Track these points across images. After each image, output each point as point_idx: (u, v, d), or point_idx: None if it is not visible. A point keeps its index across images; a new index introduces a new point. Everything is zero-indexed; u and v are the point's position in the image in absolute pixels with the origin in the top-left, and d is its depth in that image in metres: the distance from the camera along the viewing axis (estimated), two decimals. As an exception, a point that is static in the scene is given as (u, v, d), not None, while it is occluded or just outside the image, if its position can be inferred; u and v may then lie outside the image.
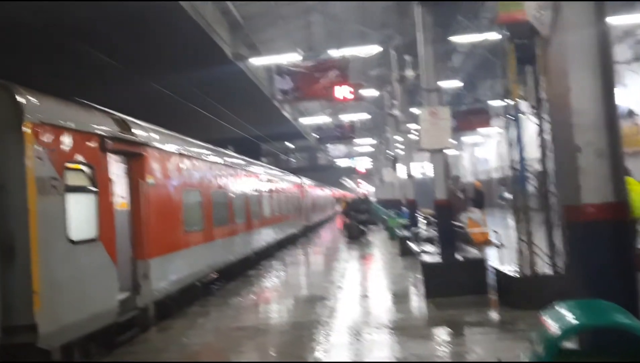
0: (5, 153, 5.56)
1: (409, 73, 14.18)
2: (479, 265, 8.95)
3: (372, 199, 39.54)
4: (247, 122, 26.57)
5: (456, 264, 9.07)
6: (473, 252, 10.51)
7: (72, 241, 6.31)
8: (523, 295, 7.47)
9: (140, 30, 12.14)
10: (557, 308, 3.04)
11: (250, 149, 27.19)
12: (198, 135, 12.60)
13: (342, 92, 14.00)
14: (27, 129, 5.74)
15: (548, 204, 7.92)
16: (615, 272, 3.36)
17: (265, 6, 16.07)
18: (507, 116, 8.19)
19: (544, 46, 7.37)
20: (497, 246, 10.43)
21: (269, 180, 19.50)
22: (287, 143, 43.21)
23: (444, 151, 9.49)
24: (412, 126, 17.99)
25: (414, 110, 20.55)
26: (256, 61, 16.89)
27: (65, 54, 12.63)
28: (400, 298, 9.45)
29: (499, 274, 8.23)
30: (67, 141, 6.45)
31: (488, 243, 11.88)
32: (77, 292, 6.36)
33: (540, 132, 7.93)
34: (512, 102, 7.91)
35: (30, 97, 5.97)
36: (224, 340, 7.44)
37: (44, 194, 5.88)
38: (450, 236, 9.32)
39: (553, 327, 2.81)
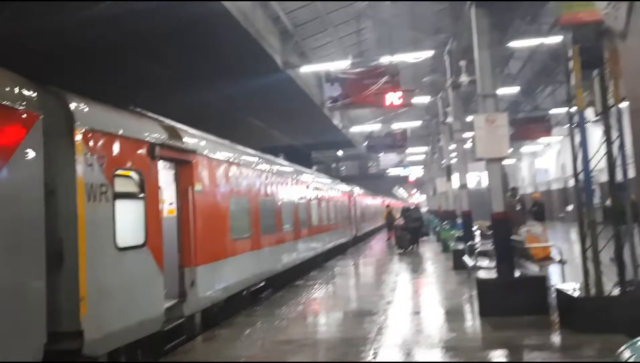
0: (56, 158, 5.58)
1: (464, 79, 13.67)
2: (540, 282, 8.39)
3: (424, 209, 38.75)
4: (297, 130, 26.63)
5: (514, 281, 8.52)
6: (532, 269, 9.91)
7: (120, 248, 6.30)
8: (588, 318, 6.92)
9: (191, 39, 12.27)
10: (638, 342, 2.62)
11: (301, 158, 27.17)
12: (249, 143, 12.60)
13: (393, 99, 13.65)
14: (78, 136, 5.77)
15: (617, 217, 7.32)
16: None
17: (316, 13, 15.97)
18: (571, 123, 7.64)
19: (616, 47, 6.86)
20: (560, 263, 9.76)
21: (318, 188, 19.33)
22: (337, 152, 43.08)
23: (502, 160, 8.97)
24: (467, 134, 17.41)
25: (469, 118, 19.96)
26: (306, 69, 16.80)
27: (118, 64, 12.94)
28: (453, 315, 8.98)
29: (561, 293, 7.66)
30: (117, 148, 6.47)
31: (549, 259, 11.18)
32: (124, 299, 6.33)
33: (608, 140, 7.35)
34: (576, 109, 7.36)
35: (81, 104, 6.02)
36: (270, 353, 7.24)
37: (93, 201, 5.90)
38: (508, 251, 8.77)
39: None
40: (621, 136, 7.08)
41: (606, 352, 6.10)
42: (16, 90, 5.08)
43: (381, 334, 7.74)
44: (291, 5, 15.11)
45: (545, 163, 45.67)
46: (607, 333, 6.47)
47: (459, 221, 19.42)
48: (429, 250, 21.48)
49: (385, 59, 14.74)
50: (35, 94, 5.29)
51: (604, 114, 7.30)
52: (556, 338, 6.98)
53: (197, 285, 8.18)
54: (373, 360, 6.19)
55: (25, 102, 5.10)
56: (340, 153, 45.55)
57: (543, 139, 36.42)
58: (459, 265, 13.85)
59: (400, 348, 6.98)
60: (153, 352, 7.16)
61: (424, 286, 12.49)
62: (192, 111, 15.74)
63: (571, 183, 33.87)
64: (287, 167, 15.72)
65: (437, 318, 8.79)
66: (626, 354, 2.59)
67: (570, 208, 30.31)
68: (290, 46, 16.56)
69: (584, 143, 7.14)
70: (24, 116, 5.07)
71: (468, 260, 11.82)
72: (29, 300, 4.98)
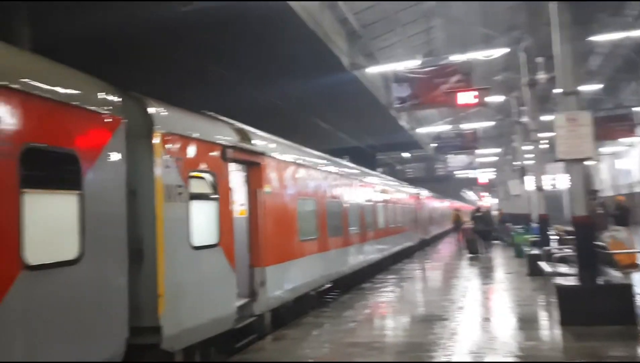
0: (137, 160, 5.79)
1: (541, 76, 13.01)
2: (626, 291, 7.83)
3: (495, 213, 37.46)
4: (363, 131, 26.51)
5: (598, 289, 7.99)
6: (617, 276, 9.29)
7: (195, 247, 6.46)
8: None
9: (259, 41, 12.48)
10: None
11: (366, 159, 27.04)
12: (314, 145, 12.66)
13: (466, 98, 13.24)
14: (156, 139, 5.98)
15: None
16: None
17: (383, 13, 15.81)
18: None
19: None
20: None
21: (385, 191, 19.13)
22: (402, 153, 42.55)
23: (584, 161, 8.45)
24: (543, 134, 16.62)
25: (545, 117, 19.05)
26: (373, 70, 16.66)
27: (186, 67, 13.36)
28: (530, 323, 8.57)
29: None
30: (191, 150, 6.66)
31: (635, 266, 10.48)
32: (199, 297, 6.50)
33: None
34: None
35: (159, 109, 6.24)
36: (337, 355, 7.19)
37: (170, 201, 6.09)
38: (590, 257, 8.24)
39: None
40: None
41: None
42: (101, 96, 5.33)
43: (453, 340, 7.50)
44: (359, 6, 15.03)
45: (627, 164, 42.89)
46: None
47: (534, 225, 18.62)
48: (501, 255, 20.71)
49: (455, 58, 14.33)
50: (118, 100, 5.53)
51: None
52: (647, 351, 6.50)
53: (266, 284, 8.29)
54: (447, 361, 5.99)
55: (109, 107, 5.35)
56: (406, 154, 44.95)
57: (625, 139, 34.23)
58: (534, 271, 13.22)
59: (474, 355, 6.72)
60: (225, 349, 7.30)
61: (498, 292, 12.02)
62: (258, 112, 16.02)
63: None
64: (353, 169, 15.65)
65: (513, 325, 8.42)
66: None
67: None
68: (357, 47, 16.50)
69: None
70: (109, 120, 5.32)
71: (545, 266, 11.26)
72: (113, 295, 5.20)
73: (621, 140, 34.28)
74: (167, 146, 6.13)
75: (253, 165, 8.47)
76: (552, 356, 6.58)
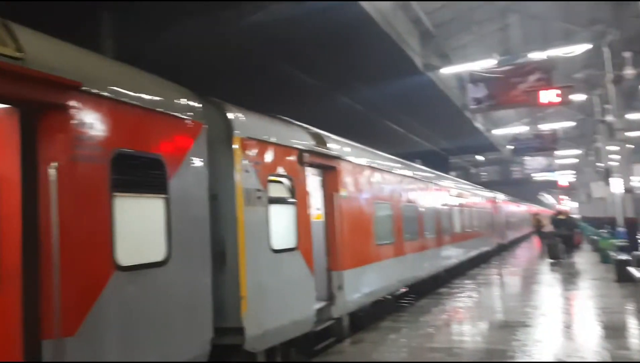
0: (217, 165, 5.97)
1: (629, 72, 12.23)
2: None
3: (575, 216, 35.59)
4: (436, 134, 26.06)
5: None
6: None
7: (275, 250, 6.60)
8: None
9: (333, 44, 12.60)
10: None
11: (438, 163, 26.55)
12: (386, 148, 12.61)
13: (548, 96, 12.68)
14: (236, 144, 6.16)
15: None
16: None
17: (457, 11, 15.52)
18: None
19: None
20: None
21: (460, 195, 18.70)
22: (477, 156, 41.39)
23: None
24: (630, 134, 15.63)
25: (631, 116, 17.92)
26: (447, 70, 16.37)
27: (265, 72, 13.70)
28: (621, 331, 8.09)
29: None
30: (269, 154, 6.82)
31: None
32: (279, 299, 6.61)
33: None
34: None
35: (238, 114, 6.44)
36: (416, 359, 7.12)
37: (250, 205, 6.24)
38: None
39: None
40: None
41: None
42: (184, 102, 5.52)
43: (536, 347, 7.22)
44: (432, 5, 14.84)
45: None
46: None
47: (620, 229, 17.54)
48: (585, 261, 19.64)
49: (534, 55, 13.80)
50: (199, 106, 5.72)
51: None
52: None
53: (344, 288, 8.33)
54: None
55: (191, 113, 5.54)
56: (480, 157, 43.73)
57: None
58: (623, 277, 12.48)
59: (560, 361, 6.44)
60: (305, 351, 7.40)
61: (583, 299, 11.42)
62: (334, 116, 16.16)
63: None
64: (428, 172, 15.43)
65: (602, 333, 7.98)
66: None
67: None
68: (431, 47, 16.27)
69: None
70: (192, 125, 5.50)
71: (635, 272, 10.59)
72: (199, 296, 5.38)
73: None
74: (246, 150, 6.28)
75: (329, 169, 8.56)
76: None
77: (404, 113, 20.10)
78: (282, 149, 7.14)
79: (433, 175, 15.85)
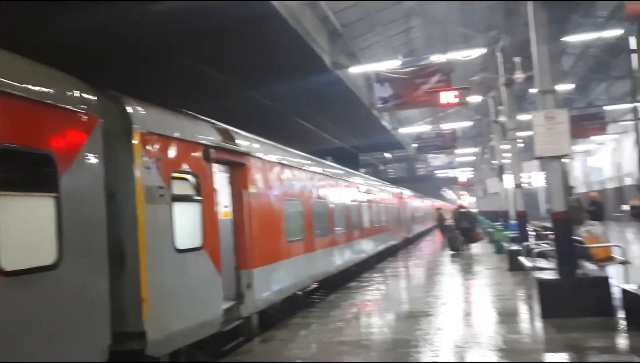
0: (115, 162, 5.67)
1: (519, 75, 13.20)
2: (603, 283, 8.02)
3: (473, 210, 37.88)
4: (346, 132, 26.59)
5: (577, 282, 8.15)
6: (593, 269, 9.48)
7: (179, 250, 6.39)
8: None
9: (240, 39, 12.42)
10: None
11: (348, 160, 27.13)
12: (298, 145, 12.66)
13: (447, 97, 13.37)
14: (135, 139, 5.88)
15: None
16: None
17: (364, 12, 15.89)
18: (637, 117, 7.25)
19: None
20: (622, 264, 9.32)
21: (368, 191, 19.22)
22: (385, 154, 42.80)
23: (562, 158, 8.61)
24: (520, 133, 16.86)
25: (521, 117, 19.34)
26: (355, 69, 16.73)
27: (170, 65, 13.24)
28: (513, 317, 8.70)
29: (628, 294, 7.29)
30: (173, 150, 6.59)
31: (610, 259, 10.71)
32: (184, 300, 6.41)
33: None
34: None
35: (138, 108, 6.15)
36: (326, 354, 7.21)
37: (152, 203, 5.99)
38: (570, 252, 8.41)
39: None
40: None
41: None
42: (76, 94, 5.16)
43: (438, 335, 7.58)
44: (339, 5, 15.07)
45: (599, 161, 43.86)
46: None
47: (513, 221, 18.88)
48: (481, 252, 20.95)
49: (435, 58, 14.47)
50: (94, 98, 5.38)
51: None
52: (625, 340, 6.64)
53: (253, 286, 8.25)
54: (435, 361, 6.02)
55: (85, 106, 5.18)
56: (387, 155, 45.23)
57: (596, 138, 35.01)
58: (514, 266, 13.45)
59: (460, 349, 6.80)
60: (213, 352, 7.25)
61: (480, 288, 12.18)
62: (242, 112, 15.96)
63: (628, 181, 32.47)
64: (338, 169, 15.70)
65: (496, 319, 8.52)
66: None
67: (626, 207, 28.94)
68: (339, 46, 16.53)
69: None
70: (85, 119, 5.15)
71: (525, 261, 11.44)
72: (94, 300, 5.09)
73: (593, 138, 35.08)
74: (147, 146, 6.02)
75: (237, 166, 8.43)
76: (535, 349, 6.69)
77: (314, 110, 20.30)
78: (187, 144, 6.92)
79: (343, 172, 16.16)
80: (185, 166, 6.83)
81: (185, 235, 6.59)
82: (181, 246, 6.43)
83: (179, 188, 6.62)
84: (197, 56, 12.73)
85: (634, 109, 6.54)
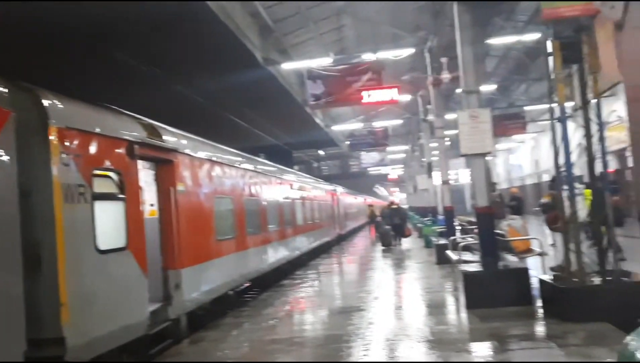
0: (30, 158, 5.36)
1: (445, 76, 13.69)
2: (523, 274, 8.48)
3: (404, 206, 38.96)
4: (279, 129, 26.50)
5: (499, 273, 8.58)
6: (514, 261, 9.99)
7: (101, 251, 6.12)
8: (572, 307, 6.98)
9: (170, 33, 12.07)
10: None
11: (282, 157, 27.07)
12: (228, 142, 12.45)
13: (378, 95, 13.62)
14: (52, 135, 5.56)
15: (599, 209, 7.41)
16: None
17: (295, 8, 15.86)
18: (552, 118, 7.68)
19: (595, 42, 6.92)
20: (540, 255, 9.89)
21: (302, 188, 19.26)
22: (319, 151, 43.11)
23: (485, 156, 9.00)
24: (447, 132, 17.49)
25: (449, 116, 20.05)
26: (287, 66, 16.68)
27: (93, 57, 12.66)
28: (440, 309, 9.00)
29: (545, 284, 7.73)
30: (94, 146, 6.29)
31: (530, 251, 11.30)
32: (107, 304, 6.16)
33: (588, 134, 7.42)
34: (557, 104, 7.38)
35: (55, 101, 5.82)
36: (258, 353, 7.15)
37: (71, 202, 5.70)
38: (492, 245, 8.82)
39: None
40: (601, 129, 7.15)
41: (591, 338, 6.17)
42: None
43: (370, 329, 7.70)
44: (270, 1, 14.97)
45: (519, 159, 46.38)
46: (591, 322, 6.57)
47: (440, 217, 19.55)
48: (411, 246, 21.56)
49: (366, 56, 14.70)
50: (4, 90, 5.07)
51: (583, 108, 7.36)
52: (542, 328, 7.03)
53: (182, 287, 8.03)
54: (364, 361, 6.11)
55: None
56: (321, 152, 45.57)
57: (517, 136, 36.97)
58: (442, 260, 13.91)
59: (390, 342, 6.94)
60: (139, 356, 6.99)
61: (410, 281, 12.51)
62: (171, 109, 15.51)
63: (545, 177, 34.49)
64: (271, 167, 15.61)
65: (425, 312, 8.79)
66: (636, 342, 2.55)
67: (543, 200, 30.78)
68: (271, 42, 16.42)
69: (565, 137, 7.19)
70: (-7, 113, 4.85)
71: (452, 255, 11.86)
72: (6, 306, 4.79)
73: (514, 137, 37.06)
74: (65, 142, 5.70)
75: (165, 163, 8.17)
76: (461, 338, 6.94)
77: (246, 107, 20.07)
78: (110, 140, 6.63)
79: (276, 169, 16.08)
80: (107, 163, 6.53)
81: (108, 235, 6.32)
82: (103, 247, 6.16)
83: (101, 186, 6.34)
84: (124, 49, 12.23)
85: (550, 110, 6.92)
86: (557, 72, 7.11)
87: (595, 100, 7.16)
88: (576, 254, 7.15)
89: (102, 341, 6.01)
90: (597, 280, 7.15)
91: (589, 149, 7.38)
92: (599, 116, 7.12)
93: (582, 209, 7.52)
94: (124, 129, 7.05)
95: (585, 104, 7.31)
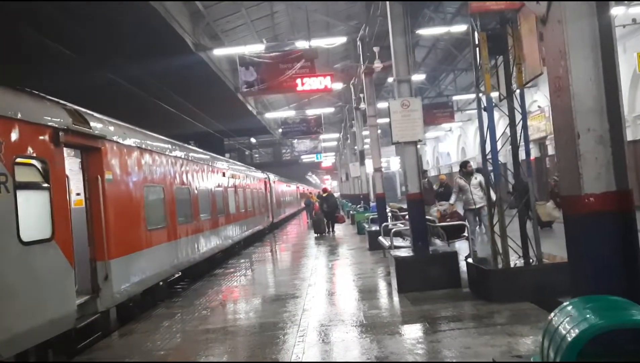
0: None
1: (377, 65, 13.94)
2: (452, 258, 8.85)
3: (336, 194, 39.50)
4: (210, 116, 26.01)
5: (429, 258, 8.93)
6: (443, 246, 10.41)
7: (24, 242, 5.83)
8: (497, 288, 7.40)
9: (95, 15, 11.50)
10: (567, 306, 2.79)
11: (213, 145, 26.63)
12: (158, 129, 12.07)
13: (311, 83, 13.68)
14: (-31, 121, 5.23)
15: (521, 195, 7.87)
16: (618, 265, 3.19)
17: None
18: (479, 106, 8.03)
19: (520, 35, 7.30)
20: (467, 240, 10.36)
21: (234, 176, 19.04)
22: (251, 139, 42.77)
23: (417, 143, 9.29)
24: (379, 120, 17.84)
25: (380, 104, 20.47)
26: (219, 52, 16.36)
27: (13, 40, 11.86)
28: (373, 293, 9.24)
29: (473, 267, 8.13)
30: (15, 133, 5.94)
31: (457, 236, 11.81)
32: (31, 297, 5.89)
33: (512, 123, 7.84)
34: (484, 93, 7.73)
35: (-29, 85, 5.44)
36: (192, 343, 7.05)
37: (-9, 192, 5.38)
38: (423, 230, 9.15)
39: (567, 327, 2.58)
40: (524, 118, 7.56)
41: (515, 317, 6.57)
42: None
43: (304, 316, 7.78)
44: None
45: (447, 147, 48.20)
46: (515, 302, 7.00)
47: (372, 204, 20.00)
48: (344, 233, 21.92)
49: (300, 44, 14.68)
50: None
51: (508, 98, 7.75)
52: (470, 309, 7.37)
53: (111, 279, 7.77)
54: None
55: None
56: (253, 140, 45.19)
57: (445, 125, 38.36)
58: (374, 246, 14.24)
59: (326, 328, 7.05)
60: (66, 351, 6.72)
61: (344, 267, 12.71)
62: (98, 95, 14.83)
63: (472, 165, 35.78)
64: (203, 154, 15.30)
65: (359, 297, 8.97)
66: (558, 318, 2.75)
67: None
68: (202, 28, 16.03)
69: (491, 125, 7.54)
70: None
71: (384, 241, 12.18)
72: None
73: (442, 126, 38.43)
74: (-17, 129, 5.39)
75: (92, 150, 7.83)
76: (393, 322, 7.18)
77: (176, 93, 19.52)
78: (32, 127, 6.29)
79: (208, 157, 15.79)
80: (30, 151, 6.20)
81: (32, 225, 6.03)
82: (27, 239, 5.86)
83: (23, 175, 6.02)
84: (44, 30, 11.50)
85: (478, 99, 7.27)
86: (484, 63, 7.42)
87: (519, 90, 7.56)
88: (501, 238, 7.55)
89: (26, 336, 5.75)
90: (519, 262, 7.61)
91: (512, 137, 7.80)
92: (522, 105, 7.52)
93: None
94: (48, 115, 6.69)
95: (509, 94, 7.70)
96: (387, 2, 9.27)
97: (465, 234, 10.26)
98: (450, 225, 10.36)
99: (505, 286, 7.31)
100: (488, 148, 7.72)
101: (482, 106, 7.68)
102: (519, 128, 7.69)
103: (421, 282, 8.45)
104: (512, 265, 7.58)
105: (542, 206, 13.95)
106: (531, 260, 7.62)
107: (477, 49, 7.67)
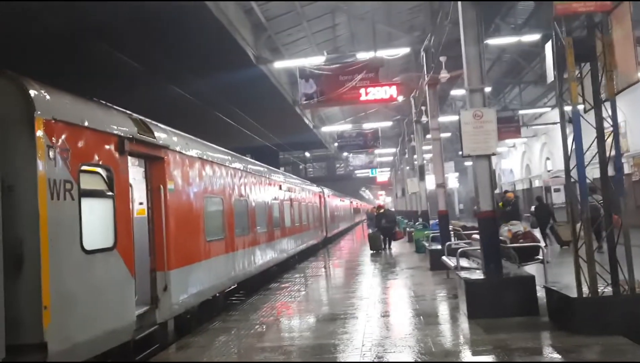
0: (14, 151, 5.02)
1: (444, 75, 13.41)
2: (529, 283, 8.11)
3: (392, 210, 38.76)
4: (267, 129, 26.12)
5: (503, 281, 8.24)
6: (513, 269, 9.70)
7: (87, 251, 5.73)
8: (584, 319, 6.68)
9: (161, 29, 11.65)
10: None
11: (269, 158, 26.67)
12: (217, 141, 12.03)
13: (376, 93, 13.28)
14: (38, 126, 5.19)
15: (611, 215, 7.15)
16: None
17: (289, 6, 15.49)
18: (562, 118, 7.40)
19: (612, 39, 6.68)
20: (542, 263, 9.58)
21: (290, 189, 18.88)
22: (306, 153, 42.85)
23: (490, 157, 8.70)
24: (443, 134, 17.23)
25: (442, 118, 19.83)
26: (279, 64, 16.31)
27: (90, 57, 12.22)
28: (440, 318, 8.67)
29: (552, 294, 7.44)
30: (83, 141, 5.89)
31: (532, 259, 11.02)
32: (92, 307, 5.78)
33: (600, 136, 7.15)
34: (569, 104, 7.10)
35: (42, 92, 5.42)
36: (247, 361, 6.74)
37: (57, 199, 5.33)
38: (495, 251, 8.50)
39: None
40: (615, 130, 6.88)
41: (607, 353, 5.88)
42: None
43: (364, 339, 7.32)
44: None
45: (510, 163, 46.50)
46: (604, 335, 6.28)
47: (433, 221, 19.29)
48: (401, 251, 21.26)
49: (360, 55, 14.37)
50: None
51: (596, 109, 7.09)
52: (553, 341, 6.70)
53: (170, 290, 7.63)
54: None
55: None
56: (307, 154, 45.27)
57: (508, 141, 36.98)
58: (436, 266, 13.60)
59: (388, 352, 6.58)
60: (124, 362, 6.57)
61: (405, 288, 12.09)
62: (162, 106, 15.07)
63: (536, 183, 34.38)
64: (260, 167, 15.21)
65: (424, 321, 8.39)
66: None
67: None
68: (263, 41, 16.05)
69: (577, 138, 6.88)
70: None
71: (448, 261, 11.54)
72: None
73: (505, 141, 37.05)
74: (52, 135, 5.34)
75: (156, 160, 7.76)
76: (464, 350, 6.61)
77: (236, 106, 19.67)
78: (99, 135, 6.23)
79: (265, 169, 15.69)
80: (96, 159, 6.15)
81: (95, 234, 5.94)
82: (90, 247, 5.77)
83: (88, 183, 5.95)
84: (114, 45, 11.77)
85: (561, 110, 6.68)
86: (570, 71, 6.81)
87: (609, 100, 6.90)
88: (588, 263, 6.84)
89: (86, 346, 5.62)
90: (607, 291, 6.88)
91: (601, 151, 7.11)
92: (614, 116, 6.84)
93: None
94: (114, 123, 6.65)
95: (598, 104, 7.04)
96: (459, 7, 8.79)
97: (540, 257, 9.52)
98: (523, 246, 9.64)
99: (593, 317, 6.58)
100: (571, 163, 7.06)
101: (567, 118, 7.05)
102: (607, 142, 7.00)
103: (494, 308, 7.80)
104: (599, 293, 6.85)
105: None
106: (621, 289, 6.85)
107: (549, 57, 7.08)
